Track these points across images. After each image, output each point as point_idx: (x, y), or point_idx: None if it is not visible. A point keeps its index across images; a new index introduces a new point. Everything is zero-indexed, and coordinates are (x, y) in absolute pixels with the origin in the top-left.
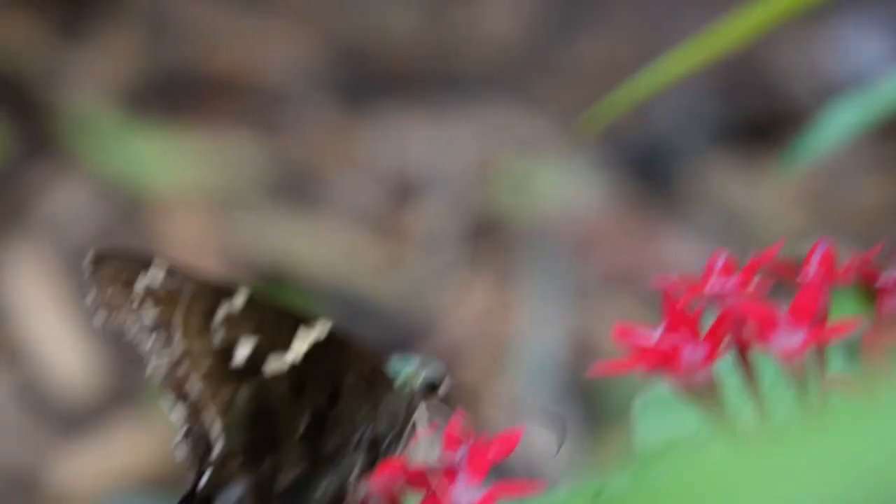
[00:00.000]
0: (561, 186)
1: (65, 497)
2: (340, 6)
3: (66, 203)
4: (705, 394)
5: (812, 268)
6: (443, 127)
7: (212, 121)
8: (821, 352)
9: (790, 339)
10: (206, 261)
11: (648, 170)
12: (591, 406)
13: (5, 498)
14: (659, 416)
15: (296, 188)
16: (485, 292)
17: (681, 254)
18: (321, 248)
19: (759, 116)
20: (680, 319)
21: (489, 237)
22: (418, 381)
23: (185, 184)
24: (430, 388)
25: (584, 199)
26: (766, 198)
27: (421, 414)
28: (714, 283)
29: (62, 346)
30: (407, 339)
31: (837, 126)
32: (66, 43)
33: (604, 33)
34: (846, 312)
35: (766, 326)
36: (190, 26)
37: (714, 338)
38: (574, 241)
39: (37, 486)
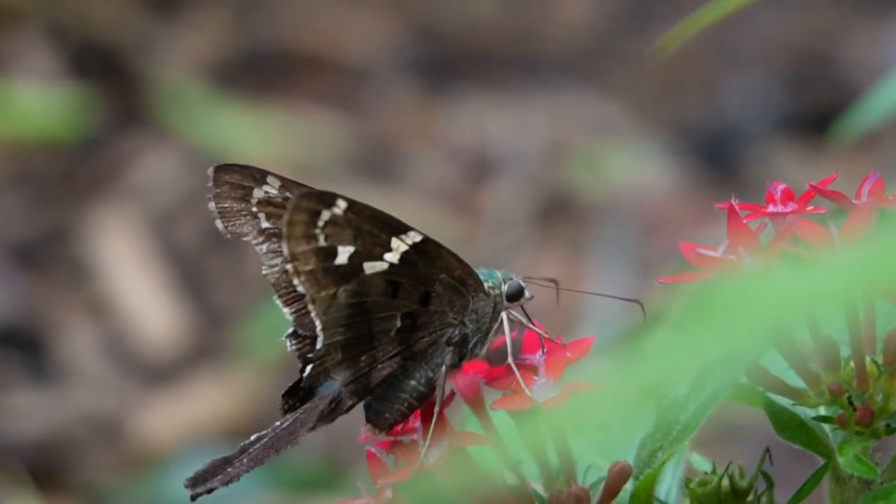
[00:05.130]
0: (630, 169)
1: (146, 445)
2: None
3: (154, 170)
4: None
5: (863, 194)
6: (518, 109)
7: (296, 97)
8: None
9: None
10: None
11: (715, 155)
12: None
13: (91, 444)
14: None
15: (375, 164)
16: (555, 265)
17: None
18: None
19: (823, 107)
20: (742, 234)
21: (560, 215)
22: (502, 289)
23: (269, 155)
24: (513, 296)
25: (653, 181)
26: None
27: (504, 318)
28: (774, 206)
29: (149, 305)
30: None
31: (884, 104)
32: (158, 18)
33: (677, 22)
34: None
35: (818, 244)
36: (277, 5)
37: (772, 251)
38: (641, 221)
39: (120, 433)
